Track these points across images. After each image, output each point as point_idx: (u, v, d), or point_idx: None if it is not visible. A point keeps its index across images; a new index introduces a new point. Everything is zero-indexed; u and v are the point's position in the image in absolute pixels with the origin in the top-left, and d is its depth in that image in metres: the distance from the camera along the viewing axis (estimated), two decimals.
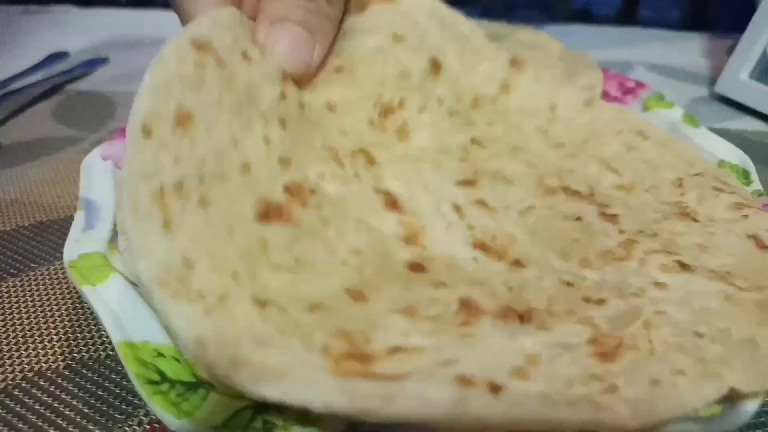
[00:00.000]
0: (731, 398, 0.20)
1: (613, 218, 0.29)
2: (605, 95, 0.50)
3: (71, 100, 0.61)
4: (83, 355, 0.30)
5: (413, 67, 0.34)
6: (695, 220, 0.29)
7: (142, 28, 0.86)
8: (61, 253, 0.29)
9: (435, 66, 0.35)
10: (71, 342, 0.31)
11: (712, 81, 0.64)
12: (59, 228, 0.40)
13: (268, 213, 0.24)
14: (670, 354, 0.20)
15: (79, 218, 0.31)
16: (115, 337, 0.23)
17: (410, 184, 0.30)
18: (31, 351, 0.30)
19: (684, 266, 0.25)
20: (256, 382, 0.17)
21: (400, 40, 0.34)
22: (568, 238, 0.27)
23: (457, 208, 0.29)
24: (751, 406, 0.20)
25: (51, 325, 0.32)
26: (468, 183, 0.31)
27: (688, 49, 0.77)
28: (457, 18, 0.37)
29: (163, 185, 0.21)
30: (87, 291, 0.26)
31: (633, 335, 0.21)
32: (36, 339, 0.31)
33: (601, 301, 0.23)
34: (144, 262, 0.19)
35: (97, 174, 0.35)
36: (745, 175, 0.36)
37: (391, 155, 0.31)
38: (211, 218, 0.22)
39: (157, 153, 0.21)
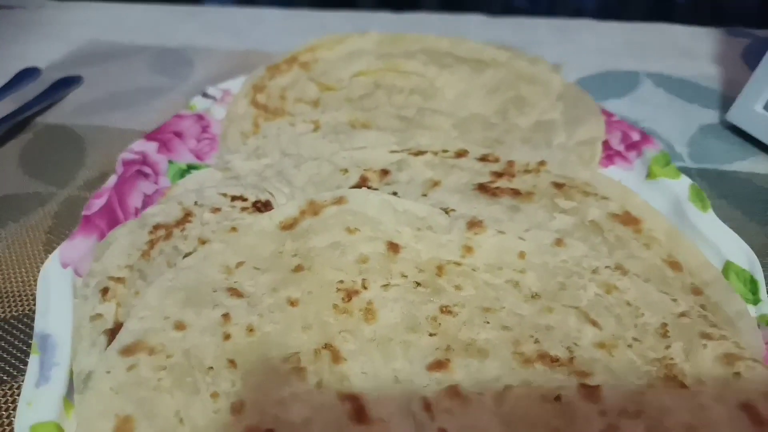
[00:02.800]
0: None
1: (594, 394, 0.27)
2: (607, 147, 0.47)
3: (39, 139, 0.58)
4: None
5: (370, 252, 0.34)
6: (683, 384, 0.27)
7: (119, 30, 0.81)
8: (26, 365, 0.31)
9: (393, 247, 0.35)
10: None
11: (724, 100, 0.60)
12: (25, 328, 0.37)
13: None
14: None
15: (32, 366, 0.29)
16: None
17: (379, 377, 0.29)
18: None
19: None
20: None
21: (353, 233, 0.35)
22: (546, 427, 0.26)
23: (428, 407, 0.27)
24: None
25: None
26: (440, 365, 0.29)
27: (700, 54, 0.72)
28: (409, 204, 0.37)
29: None
30: None
31: None
32: None
33: None
34: None
35: (56, 290, 0.34)
36: (753, 288, 0.33)
37: (358, 344, 0.30)
38: None
39: None
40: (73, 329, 0.31)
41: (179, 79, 0.68)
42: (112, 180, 0.42)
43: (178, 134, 0.48)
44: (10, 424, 0.32)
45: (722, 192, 0.49)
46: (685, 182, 0.40)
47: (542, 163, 0.42)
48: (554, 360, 0.29)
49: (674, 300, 0.31)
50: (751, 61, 0.69)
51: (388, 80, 0.57)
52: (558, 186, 0.40)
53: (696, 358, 0.28)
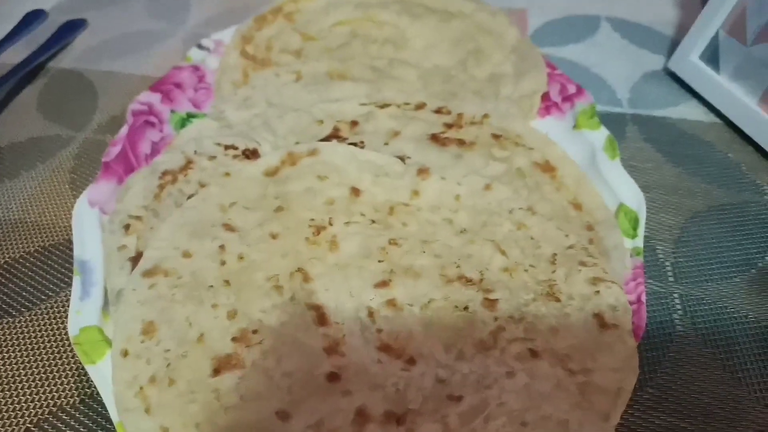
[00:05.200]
0: None
1: (492, 305, 0.37)
2: (547, 99, 0.54)
3: (54, 84, 0.65)
4: (93, 390, 0.39)
5: (336, 196, 0.43)
6: (558, 299, 0.36)
7: None
8: (66, 283, 0.43)
9: (355, 191, 0.43)
10: (82, 377, 0.39)
11: (673, 46, 0.65)
12: (61, 254, 0.47)
13: (220, 367, 0.34)
14: None
15: (76, 285, 0.39)
16: (114, 417, 0.32)
17: (338, 293, 0.38)
18: (53, 386, 0.39)
19: (534, 353, 0.33)
20: None
21: (323, 180, 0.43)
22: (454, 329, 0.35)
23: (371, 314, 0.37)
24: None
25: (65, 359, 0.41)
26: (384, 284, 0.38)
27: None
28: (370, 154, 0.45)
29: (141, 385, 0.32)
30: (90, 369, 0.34)
31: (474, 429, 0.30)
32: (55, 374, 0.40)
33: (459, 398, 0.32)
34: None
35: (88, 226, 0.43)
36: (634, 225, 0.42)
37: (324, 267, 0.39)
38: (179, 390, 0.32)
39: (134, 364, 0.33)
40: (104, 257, 0.40)
41: (177, 23, 0.74)
42: (124, 129, 0.50)
43: (178, 85, 0.55)
44: (57, 327, 0.42)
45: (649, 135, 0.56)
46: (603, 133, 0.48)
47: (486, 115, 0.50)
48: (468, 280, 0.38)
49: (566, 235, 0.40)
50: None
51: (364, 30, 0.63)
52: (496, 137, 0.48)
53: (571, 280, 0.37)
